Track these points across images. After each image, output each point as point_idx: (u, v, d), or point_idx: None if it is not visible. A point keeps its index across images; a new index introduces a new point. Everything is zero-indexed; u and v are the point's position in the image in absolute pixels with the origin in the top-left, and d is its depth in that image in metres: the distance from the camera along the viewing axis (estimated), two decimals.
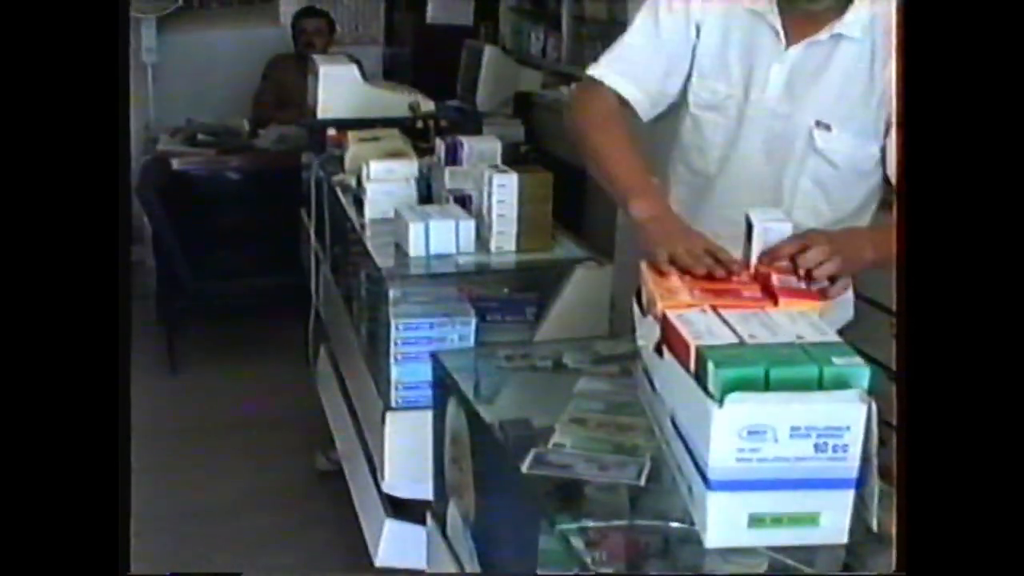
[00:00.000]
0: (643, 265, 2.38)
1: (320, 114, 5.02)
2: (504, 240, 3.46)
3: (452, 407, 2.61)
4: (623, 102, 3.01)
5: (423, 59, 8.69)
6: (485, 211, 3.49)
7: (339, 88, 5.04)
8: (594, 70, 3.05)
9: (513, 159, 3.92)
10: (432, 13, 8.46)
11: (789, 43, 2.88)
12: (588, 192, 6.29)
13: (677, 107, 3.11)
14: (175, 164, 7.02)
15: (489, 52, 7.08)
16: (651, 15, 3.02)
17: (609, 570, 1.95)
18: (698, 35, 2.99)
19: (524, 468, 2.16)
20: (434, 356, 2.78)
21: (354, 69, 5.13)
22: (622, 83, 3.00)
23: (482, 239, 3.50)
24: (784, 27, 2.88)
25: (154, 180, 6.58)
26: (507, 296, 3.60)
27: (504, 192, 3.42)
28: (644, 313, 2.25)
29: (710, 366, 1.83)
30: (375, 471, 3.67)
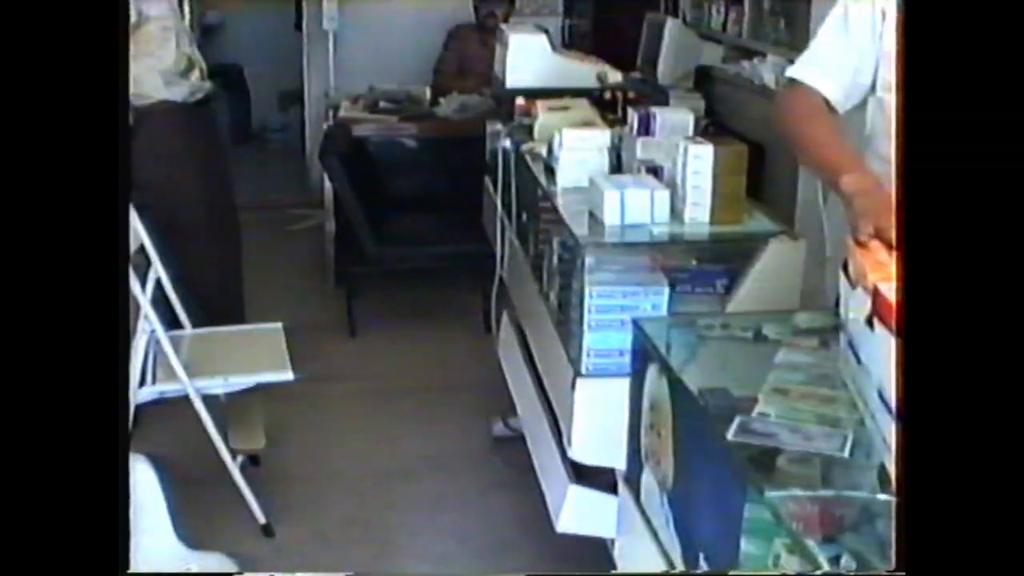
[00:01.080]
0: (850, 239, 2.38)
1: (509, 83, 5.05)
2: (698, 211, 3.46)
3: (652, 373, 2.63)
4: (823, 99, 3.13)
5: (602, 31, 8.70)
6: (679, 182, 3.49)
7: (528, 57, 5.07)
8: (791, 71, 3.21)
9: (694, 133, 3.92)
10: None
11: None
12: (768, 168, 6.27)
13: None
14: (355, 131, 7.12)
15: (671, 25, 7.06)
16: (841, 11, 3.14)
17: (808, 541, 1.96)
18: (884, 19, 3.02)
19: (730, 435, 2.19)
20: (636, 322, 2.80)
21: (543, 38, 5.17)
22: (820, 80, 3.13)
23: (675, 210, 3.50)
24: None
25: (336, 146, 6.69)
26: (697, 267, 3.61)
27: (699, 163, 3.43)
28: (853, 286, 2.25)
29: None
30: (559, 437, 3.70)
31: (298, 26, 9.31)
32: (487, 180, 5.33)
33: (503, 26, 5.48)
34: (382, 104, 7.38)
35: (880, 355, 2.03)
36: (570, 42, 8.85)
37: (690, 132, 3.79)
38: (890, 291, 2.01)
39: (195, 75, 5.32)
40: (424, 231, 6.84)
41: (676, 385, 2.47)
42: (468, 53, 7.79)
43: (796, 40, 6.32)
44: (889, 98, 3.07)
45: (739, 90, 6.87)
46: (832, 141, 2.99)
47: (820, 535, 2.01)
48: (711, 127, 6.67)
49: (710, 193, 3.44)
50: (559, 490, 3.79)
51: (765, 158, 6.35)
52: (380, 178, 7.07)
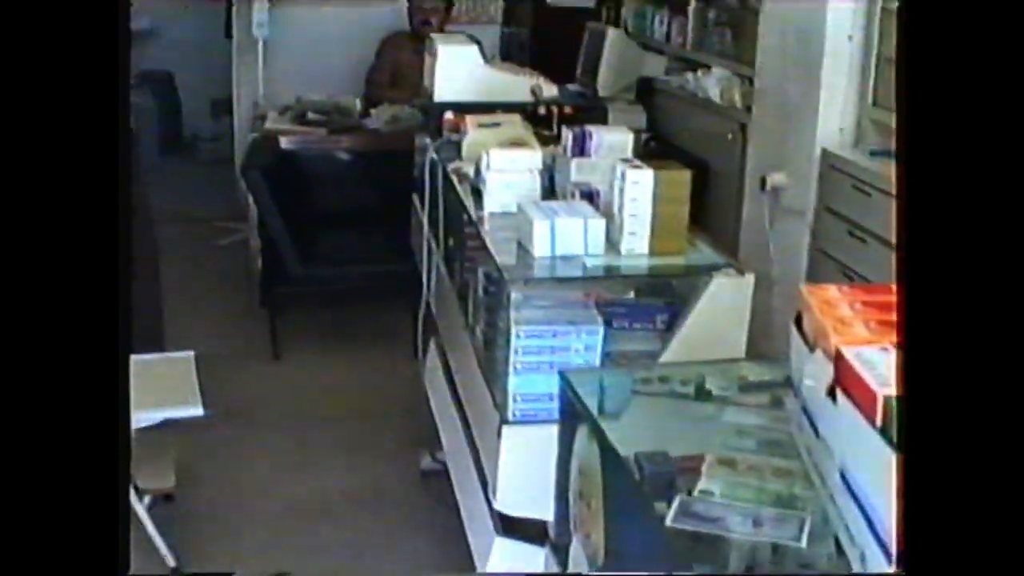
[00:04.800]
0: (804, 289, 2.06)
1: (437, 96, 4.78)
2: (636, 242, 3.19)
3: (582, 436, 2.32)
4: None
5: (542, 41, 8.46)
6: (616, 209, 3.22)
7: (458, 70, 4.80)
8: None
9: (635, 148, 3.64)
10: None
11: None
12: (712, 186, 6.05)
13: None
14: (283, 143, 6.82)
15: (612, 35, 6.82)
16: None
17: None
18: None
19: (669, 520, 1.89)
20: (562, 375, 2.49)
21: (474, 50, 4.88)
22: None
23: (611, 240, 3.23)
24: None
25: (260, 160, 6.40)
26: (636, 301, 3.33)
27: (638, 190, 3.15)
28: (810, 346, 1.93)
29: None
30: (486, 483, 3.42)
31: (228, 33, 9.00)
32: (415, 198, 5.04)
33: (433, 36, 5.17)
34: (310, 115, 7.08)
35: (844, 432, 1.73)
36: (508, 52, 8.59)
37: (628, 152, 3.50)
38: (856, 358, 1.72)
39: None
40: (352, 250, 6.57)
41: (608, 453, 2.15)
42: (402, 62, 7.51)
43: (742, 52, 6.10)
44: None
45: (682, 103, 6.65)
46: None
47: None
48: (652, 141, 6.45)
49: (649, 222, 3.17)
50: (485, 539, 3.54)
51: (709, 175, 6.13)
52: (307, 193, 6.79)
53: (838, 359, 1.75)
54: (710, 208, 6.07)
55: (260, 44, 8.08)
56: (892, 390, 1.60)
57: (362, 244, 6.58)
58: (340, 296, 6.80)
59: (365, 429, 5.50)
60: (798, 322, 2.02)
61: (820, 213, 5.00)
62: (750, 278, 3.14)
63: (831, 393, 1.76)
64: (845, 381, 1.72)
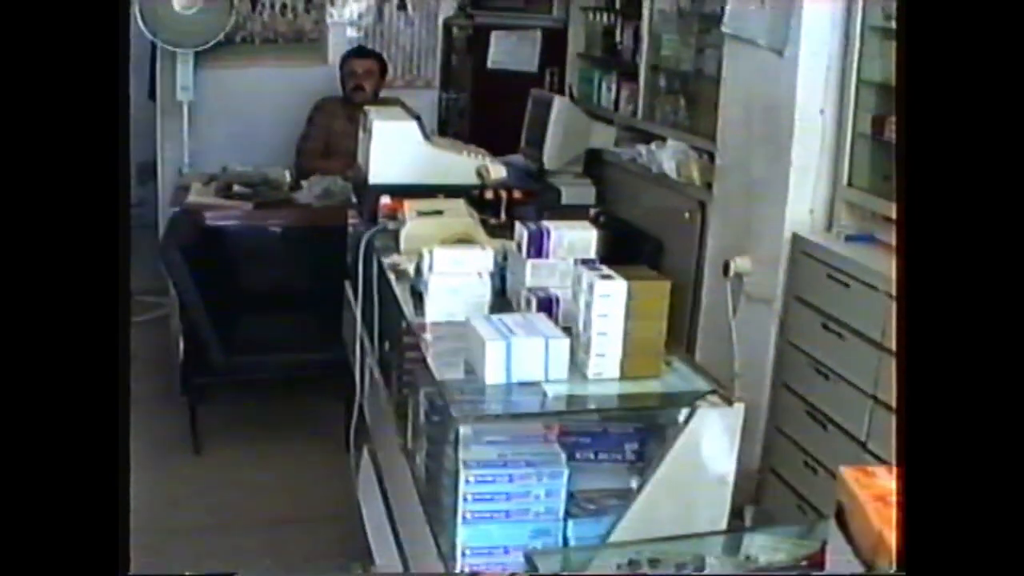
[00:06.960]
0: (844, 472, 1.59)
1: (372, 178, 4.31)
2: (605, 364, 2.74)
3: None
4: None
5: (482, 107, 8.04)
6: (581, 325, 2.76)
7: (395, 148, 4.33)
8: None
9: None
10: (493, 58, 7.82)
11: None
12: (666, 266, 5.67)
13: None
14: (207, 218, 6.34)
15: (559, 104, 6.44)
16: None
17: None
18: None
19: None
20: (528, 558, 2.02)
21: (413, 126, 4.42)
22: None
23: (576, 360, 2.77)
24: None
25: (182, 237, 5.92)
26: (601, 427, 2.88)
27: (609, 304, 2.70)
28: (858, 551, 1.46)
29: None
30: None
31: (152, 95, 8.54)
32: (347, 285, 4.56)
33: (367, 109, 4.71)
34: (236, 188, 6.60)
35: None
36: (446, 118, 8.18)
37: (591, 252, 3.06)
38: None
39: None
40: (280, 336, 6.11)
41: None
42: (334, 130, 7.10)
43: (698, 123, 5.73)
44: None
45: (635, 178, 6.26)
46: None
47: None
48: (602, 216, 6.08)
49: (621, 341, 2.71)
50: None
51: (663, 255, 5.74)
52: (232, 273, 6.33)
53: None
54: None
55: (185, 107, 7.65)
56: None
57: (291, 330, 6.13)
58: (267, 385, 6.32)
59: (292, 535, 5.03)
60: (839, 515, 1.55)
61: (789, 302, 4.62)
62: (739, 408, 2.68)
63: None
64: None
